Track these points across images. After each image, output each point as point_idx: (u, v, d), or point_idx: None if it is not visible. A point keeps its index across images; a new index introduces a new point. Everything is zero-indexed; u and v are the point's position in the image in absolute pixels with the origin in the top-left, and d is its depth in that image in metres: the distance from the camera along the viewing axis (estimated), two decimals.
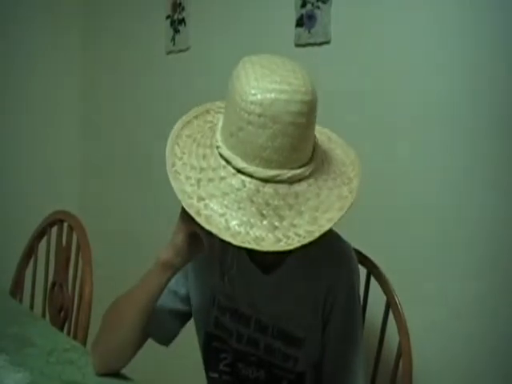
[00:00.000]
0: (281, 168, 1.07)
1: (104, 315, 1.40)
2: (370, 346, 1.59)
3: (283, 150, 1.06)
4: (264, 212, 1.05)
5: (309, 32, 1.93)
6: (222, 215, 1.05)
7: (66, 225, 2.07)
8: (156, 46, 2.63)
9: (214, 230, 1.04)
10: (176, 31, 2.53)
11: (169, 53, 2.58)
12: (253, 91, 1.05)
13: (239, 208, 1.05)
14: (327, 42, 1.90)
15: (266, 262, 1.34)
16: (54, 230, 2.11)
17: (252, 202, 1.05)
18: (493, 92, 1.54)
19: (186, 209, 1.08)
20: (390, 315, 1.51)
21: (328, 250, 1.33)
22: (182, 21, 2.50)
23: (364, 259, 1.56)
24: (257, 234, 1.03)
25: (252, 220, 1.04)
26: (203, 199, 1.07)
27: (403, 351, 1.45)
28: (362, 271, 1.52)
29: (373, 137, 1.79)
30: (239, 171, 1.08)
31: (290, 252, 1.29)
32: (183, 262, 1.26)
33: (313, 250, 1.30)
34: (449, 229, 1.64)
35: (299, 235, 1.04)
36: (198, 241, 1.21)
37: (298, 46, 1.96)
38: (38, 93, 3.07)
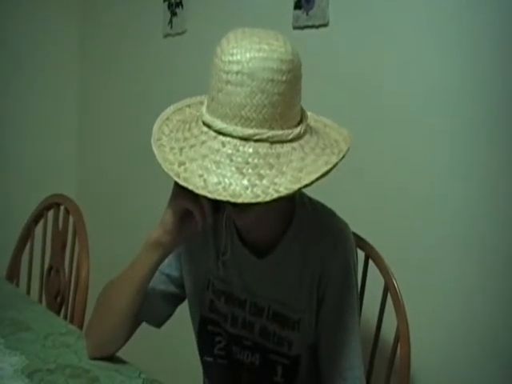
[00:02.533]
0: (260, 127, 1.06)
1: (97, 299, 1.39)
2: (368, 330, 1.60)
3: (262, 107, 1.05)
4: (244, 171, 1.04)
5: (307, 14, 1.91)
6: (201, 176, 1.05)
7: (62, 208, 2.06)
8: (153, 29, 2.62)
9: (191, 187, 1.04)
10: (173, 14, 2.51)
11: (166, 36, 2.57)
12: (231, 51, 1.06)
13: (218, 167, 1.04)
14: (325, 25, 1.88)
15: (259, 246, 1.33)
16: (51, 214, 2.10)
17: (231, 160, 1.05)
18: (493, 70, 1.53)
19: (167, 171, 1.08)
20: (389, 299, 1.50)
21: (323, 230, 1.31)
22: (179, 3, 2.48)
23: (361, 242, 1.55)
24: (235, 191, 1.02)
25: (231, 179, 1.03)
26: (184, 164, 1.08)
27: (401, 335, 1.44)
28: (360, 254, 1.51)
29: (370, 118, 1.79)
30: (220, 133, 1.07)
31: (282, 236, 1.31)
32: (173, 241, 1.25)
33: (307, 230, 1.30)
34: (449, 211, 1.63)
35: (279, 192, 1.02)
36: (189, 219, 1.21)
37: (295, 28, 1.95)
38: (37, 77, 3.07)
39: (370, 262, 1.56)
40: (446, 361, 1.65)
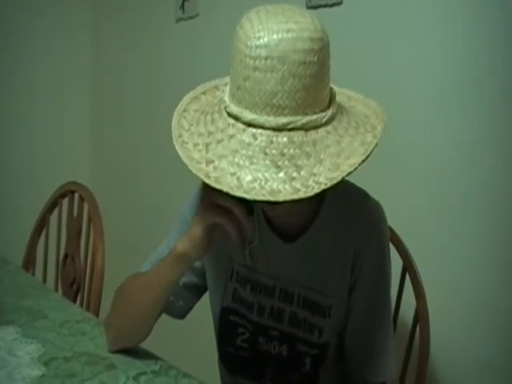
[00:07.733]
0: (294, 114, 0.98)
1: (116, 295, 1.34)
2: None
3: (295, 92, 0.97)
4: (279, 163, 0.96)
5: None
6: (233, 174, 0.97)
7: (77, 196, 2.06)
8: (165, 13, 2.61)
9: (225, 189, 0.96)
10: None
11: (178, 20, 2.56)
12: (257, 34, 0.96)
13: (252, 163, 0.97)
14: (339, 3, 1.87)
15: (288, 231, 1.28)
16: (66, 201, 2.10)
17: (265, 154, 0.97)
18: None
19: (195, 173, 1.00)
20: (407, 279, 1.50)
21: (355, 212, 1.25)
22: None
23: None
24: (273, 187, 0.95)
25: (266, 174, 0.96)
26: (212, 161, 1.00)
27: (420, 315, 1.44)
28: None
29: (386, 98, 1.72)
30: (249, 125, 0.99)
31: (313, 218, 1.25)
32: (200, 255, 1.19)
33: (338, 212, 1.25)
34: (462, 189, 1.62)
35: (319, 183, 0.95)
36: (217, 233, 1.15)
37: (309, 7, 1.93)
38: (50, 64, 3.08)
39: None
40: (465, 340, 1.64)
